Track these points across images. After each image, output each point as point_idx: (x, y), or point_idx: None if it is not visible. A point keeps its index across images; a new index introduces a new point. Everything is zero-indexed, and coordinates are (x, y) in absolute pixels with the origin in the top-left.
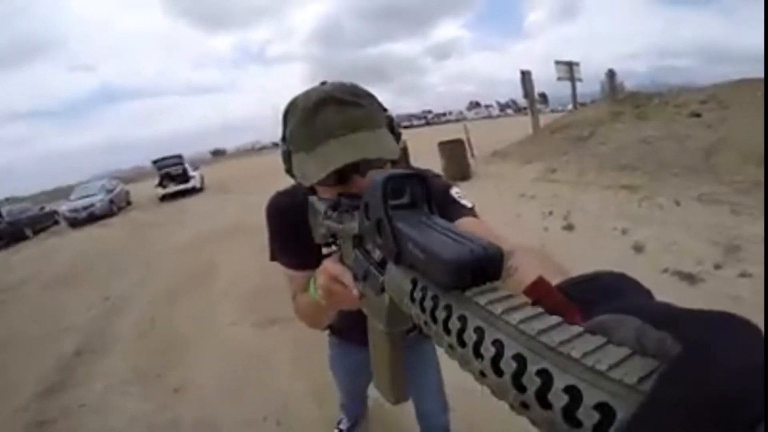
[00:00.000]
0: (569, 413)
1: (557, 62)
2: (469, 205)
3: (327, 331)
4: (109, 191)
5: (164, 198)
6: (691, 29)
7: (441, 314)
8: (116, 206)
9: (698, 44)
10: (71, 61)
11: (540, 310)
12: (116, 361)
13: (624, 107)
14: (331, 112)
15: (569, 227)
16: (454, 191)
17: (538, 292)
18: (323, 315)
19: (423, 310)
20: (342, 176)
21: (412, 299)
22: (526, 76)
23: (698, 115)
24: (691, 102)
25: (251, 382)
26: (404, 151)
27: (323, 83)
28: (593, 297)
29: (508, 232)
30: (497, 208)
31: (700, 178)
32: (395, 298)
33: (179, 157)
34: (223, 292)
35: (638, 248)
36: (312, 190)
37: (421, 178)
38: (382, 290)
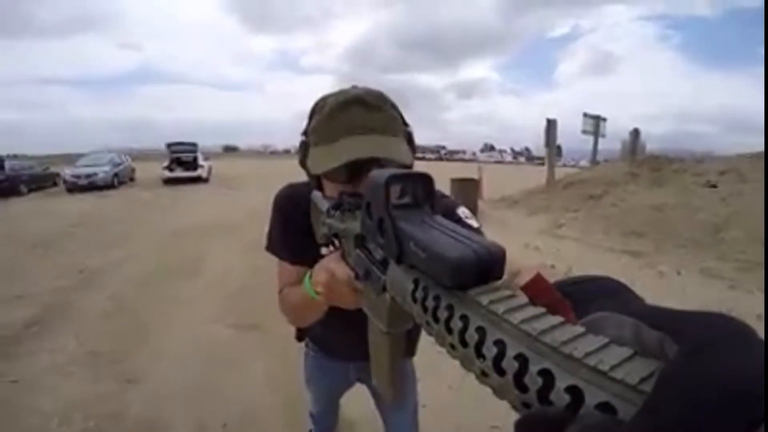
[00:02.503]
0: None
1: (585, 115)
2: (476, 225)
3: (303, 342)
4: (117, 165)
5: (168, 181)
6: (718, 94)
7: (443, 314)
8: (118, 180)
9: (724, 111)
10: (122, 38)
11: (542, 310)
12: (69, 339)
13: (641, 170)
14: (355, 112)
15: None
16: (461, 211)
17: (535, 289)
18: (313, 312)
19: (425, 309)
20: (352, 174)
21: (414, 299)
22: (551, 124)
23: (714, 186)
24: (710, 171)
25: (215, 386)
26: None
27: (354, 87)
28: (588, 297)
29: None
30: None
31: (705, 252)
32: (397, 297)
33: (194, 145)
34: (204, 288)
35: None
36: (320, 187)
37: (424, 177)
38: (384, 290)
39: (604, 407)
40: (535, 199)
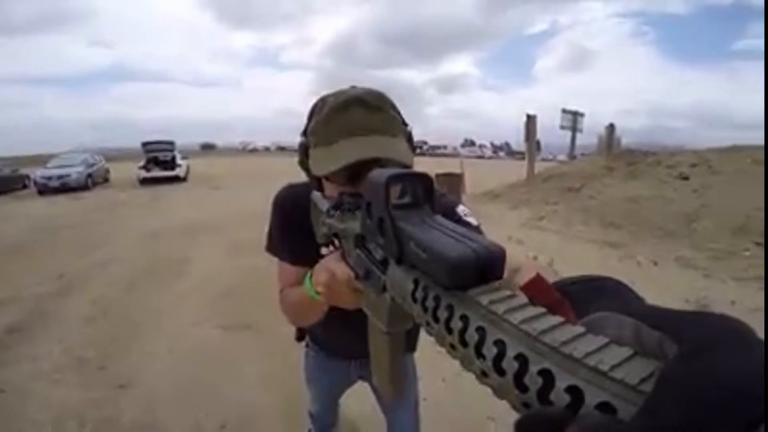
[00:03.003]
0: None
1: (564, 111)
2: (475, 223)
3: (304, 342)
4: (90, 165)
5: (145, 181)
6: (691, 90)
7: (443, 314)
8: (92, 181)
9: (697, 106)
10: (92, 36)
11: (542, 310)
12: (53, 346)
13: (617, 163)
14: (356, 112)
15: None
16: (461, 209)
17: (535, 290)
18: (313, 312)
19: (425, 309)
20: (353, 175)
21: (414, 299)
22: (531, 120)
23: (686, 178)
24: (683, 164)
25: (211, 387)
26: None
27: (353, 87)
28: (588, 297)
29: None
30: None
31: (679, 242)
32: (397, 297)
33: (171, 143)
34: (190, 289)
35: None
36: (320, 187)
37: (424, 177)
38: (384, 290)
39: (604, 407)
40: (516, 192)
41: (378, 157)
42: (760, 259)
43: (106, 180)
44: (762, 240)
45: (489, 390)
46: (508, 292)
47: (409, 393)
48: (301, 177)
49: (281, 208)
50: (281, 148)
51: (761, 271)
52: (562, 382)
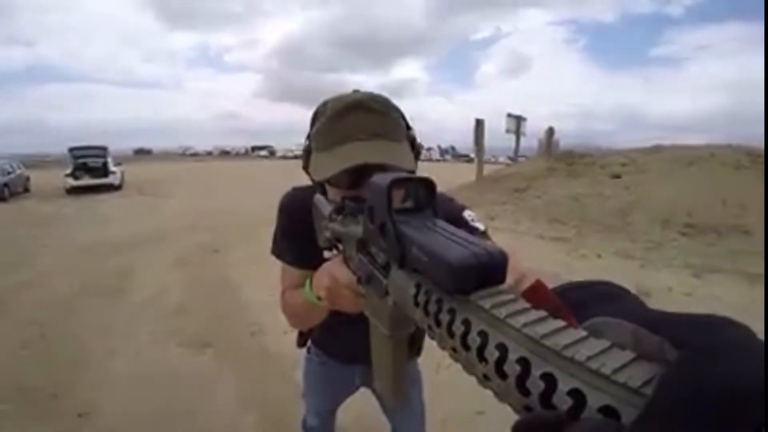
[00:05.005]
0: None
1: (509, 115)
2: (482, 228)
3: (305, 348)
4: (7, 174)
5: (73, 191)
6: (615, 94)
7: (445, 318)
8: (9, 191)
9: (620, 109)
10: (9, 34)
11: (544, 313)
12: None
13: (558, 164)
14: (358, 117)
15: None
16: (467, 214)
17: (536, 296)
18: (314, 315)
19: (427, 313)
20: (355, 180)
21: (416, 303)
22: (480, 124)
23: (619, 177)
24: (614, 164)
25: (185, 410)
26: None
27: (356, 91)
28: (588, 301)
29: None
30: None
31: (617, 235)
32: (399, 301)
33: (103, 149)
34: (139, 307)
35: None
36: (324, 191)
37: (426, 181)
38: (386, 294)
39: (607, 410)
40: (466, 193)
41: (379, 162)
42: (686, 248)
43: (26, 190)
44: (686, 230)
45: (474, 386)
46: (509, 297)
47: (414, 399)
48: (262, 183)
49: (285, 211)
50: (225, 153)
51: (689, 259)
52: (564, 386)
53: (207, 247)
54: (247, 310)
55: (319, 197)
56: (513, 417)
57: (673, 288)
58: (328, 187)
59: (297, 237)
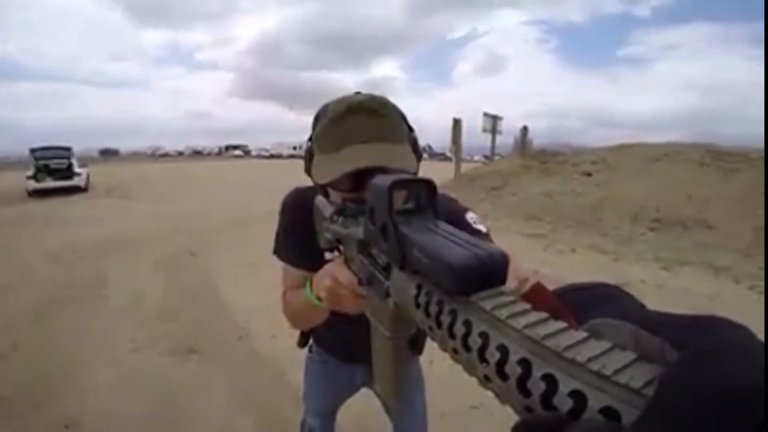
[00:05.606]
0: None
1: (485, 114)
2: (484, 230)
3: (307, 348)
4: None
5: (35, 194)
6: (584, 93)
7: (446, 319)
8: None
9: (589, 108)
10: None
11: (545, 315)
12: None
13: (533, 162)
14: (359, 119)
15: None
16: (470, 216)
17: (536, 298)
18: (315, 316)
19: (428, 315)
20: (357, 182)
21: (417, 304)
22: (457, 124)
23: (590, 174)
24: (585, 162)
25: (180, 417)
26: None
27: (357, 93)
28: (588, 303)
29: None
30: None
31: (589, 230)
32: (400, 303)
33: (67, 149)
34: (116, 314)
35: None
36: (325, 193)
37: (427, 183)
38: (387, 295)
39: (607, 411)
40: (445, 191)
41: (380, 165)
42: (655, 242)
43: None
44: (654, 225)
45: (469, 379)
46: (510, 298)
47: (415, 399)
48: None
49: (287, 212)
50: (197, 153)
51: (658, 253)
52: (565, 387)
53: (184, 250)
54: (232, 314)
55: (320, 198)
56: (509, 411)
57: (645, 280)
58: (329, 189)
59: (298, 237)
